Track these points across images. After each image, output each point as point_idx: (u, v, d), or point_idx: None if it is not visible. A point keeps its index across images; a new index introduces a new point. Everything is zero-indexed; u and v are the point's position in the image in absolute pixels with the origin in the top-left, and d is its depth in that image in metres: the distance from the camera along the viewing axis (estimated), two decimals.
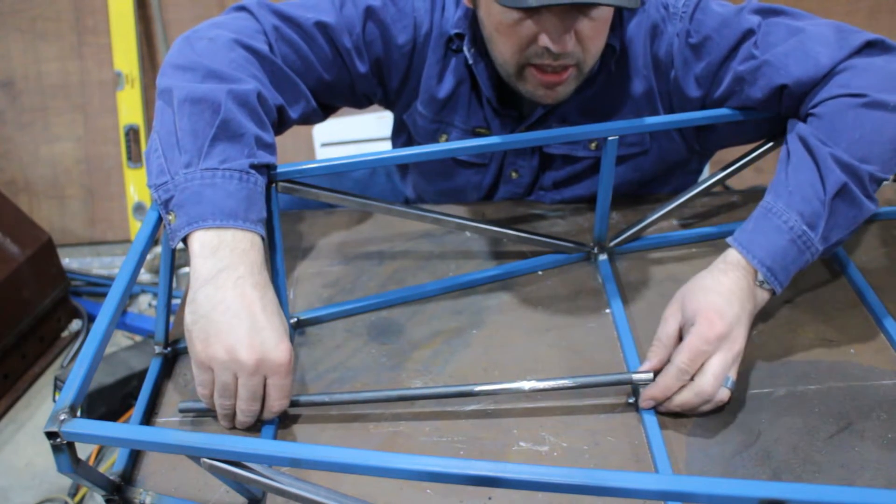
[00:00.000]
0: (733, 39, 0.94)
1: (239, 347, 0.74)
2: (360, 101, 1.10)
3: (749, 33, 0.94)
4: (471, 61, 1.03)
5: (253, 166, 0.83)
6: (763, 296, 0.85)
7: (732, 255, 0.85)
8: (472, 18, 1.00)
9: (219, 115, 0.83)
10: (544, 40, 0.88)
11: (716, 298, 0.81)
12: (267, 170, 0.87)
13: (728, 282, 0.82)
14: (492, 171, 1.14)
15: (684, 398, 0.79)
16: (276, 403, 0.78)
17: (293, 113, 0.98)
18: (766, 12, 0.95)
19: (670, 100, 1.03)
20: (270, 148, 0.88)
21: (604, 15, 0.90)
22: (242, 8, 0.99)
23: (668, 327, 0.83)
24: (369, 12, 1.00)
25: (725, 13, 0.96)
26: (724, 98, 0.98)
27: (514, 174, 1.14)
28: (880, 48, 0.90)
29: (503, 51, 0.94)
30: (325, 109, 1.07)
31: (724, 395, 0.80)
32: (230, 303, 0.75)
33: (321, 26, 0.98)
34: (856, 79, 0.88)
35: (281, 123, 0.98)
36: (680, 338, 0.82)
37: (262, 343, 0.75)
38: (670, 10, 0.99)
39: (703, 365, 0.79)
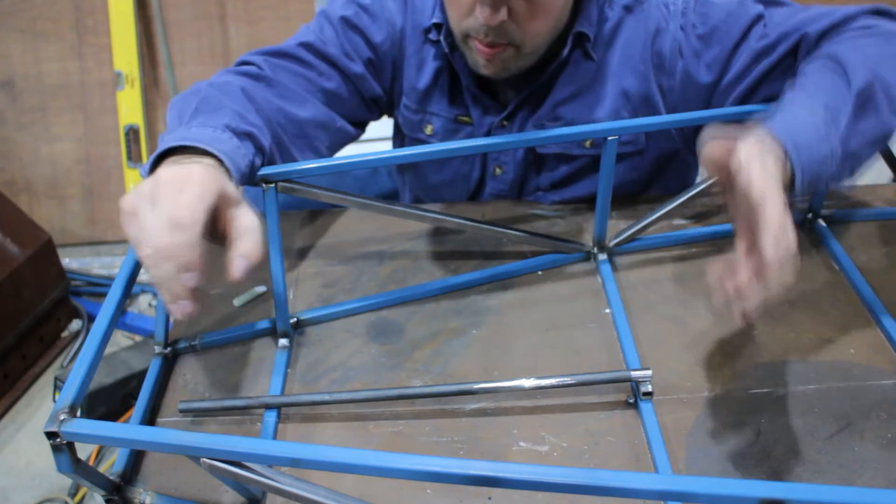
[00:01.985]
0: (744, 24, 0.97)
1: (158, 185, 0.69)
2: (372, 109, 1.13)
3: (758, 18, 0.97)
4: (446, 50, 1.05)
5: (228, 127, 0.82)
6: (784, 176, 0.77)
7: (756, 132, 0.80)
8: None
9: (199, 95, 0.87)
10: (477, 11, 0.91)
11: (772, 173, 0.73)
12: (250, 139, 0.84)
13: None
14: (477, 164, 1.16)
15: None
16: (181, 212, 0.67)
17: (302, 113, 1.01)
18: (767, 3, 0.99)
19: (674, 94, 1.04)
20: (254, 126, 0.87)
21: None
22: (235, 65, 1.03)
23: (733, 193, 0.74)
24: (344, 21, 1.05)
25: (728, 5, 0.99)
26: (738, 77, 0.99)
27: (497, 170, 1.15)
28: (888, 14, 0.93)
29: (450, 17, 0.97)
30: (351, 125, 1.10)
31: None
32: (162, 175, 0.71)
33: (304, 45, 1.03)
34: (870, 21, 0.91)
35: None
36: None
37: (185, 175, 0.70)
38: (671, 8, 1.01)
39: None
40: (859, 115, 0.81)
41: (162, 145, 0.78)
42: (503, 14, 0.90)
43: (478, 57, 0.98)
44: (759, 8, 0.98)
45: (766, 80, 0.98)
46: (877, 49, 0.86)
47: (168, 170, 0.72)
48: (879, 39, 0.88)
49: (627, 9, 1.02)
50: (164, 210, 0.67)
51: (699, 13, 1.00)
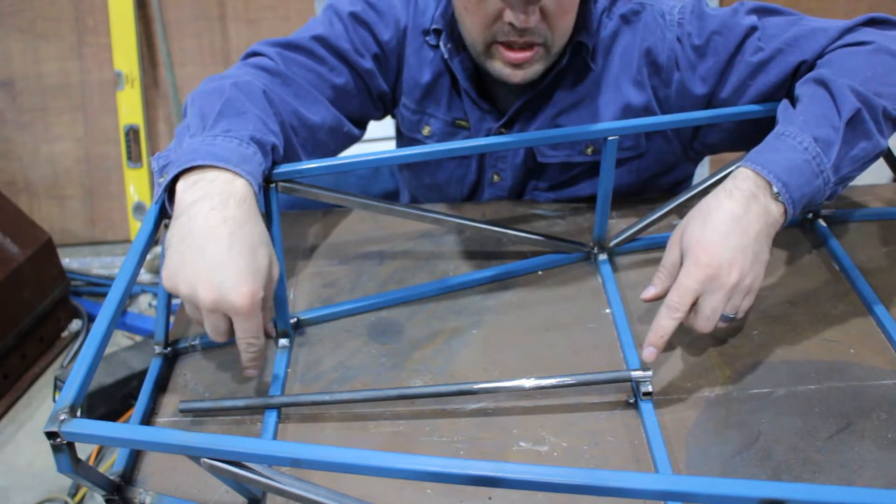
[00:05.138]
0: (738, 36, 0.96)
1: (198, 283, 0.72)
2: (378, 106, 1.14)
3: (752, 30, 0.96)
4: (446, 56, 1.05)
5: (254, 139, 0.83)
6: (777, 210, 0.80)
7: (742, 173, 0.82)
8: (451, 14, 1.02)
9: (224, 96, 0.87)
10: (509, 16, 0.90)
11: (711, 233, 0.78)
12: (271, 152, 0.86)
13: (731, 206, 0.79)
14: (473, 168, 1.15)
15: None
16: (241, 343, 0.76)
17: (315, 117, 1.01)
18: (761, 12, 0.98)
19: (670, 104, 1.04)
20: (274, 134, 0.88)
21: None
22: (246, 55, 1.03)
23: (672, 255, 0.83)
24: (354, 17, 1.05)
25: (722, 15, 0.98)
26: (735, 92, 0.99)
27: (495, 177, 1.15)
28: (883, 22, 0.94)
29: (471, 29, 0.96)
30: (356, 125, 1.11)
31: (720, 325, 0.81)
32: (197, 236, 0.73)
33: (317, 39, 1.03)
34: (863, 36, 0.91)
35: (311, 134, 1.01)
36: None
37: (221, 283, 0.72)
38: (667, 18, 1.01)
39: (696, 303, 0.79)
40: (850, 143, 0.84)
41: (186, 155, 0.78)
42: (537, 14, 0.90)
43: (503, 66, 0.97)
44: (753, 19, 0.97)
45: (766, 98, 0.97)
46: (869, 69, 0.87)
47: (206, 283, 0.73)
48: (871, 57, 0.89)
49: (625, 19, 1.02)
50: (222, 327, 0.75)
51: (695, 24, 0.99)
